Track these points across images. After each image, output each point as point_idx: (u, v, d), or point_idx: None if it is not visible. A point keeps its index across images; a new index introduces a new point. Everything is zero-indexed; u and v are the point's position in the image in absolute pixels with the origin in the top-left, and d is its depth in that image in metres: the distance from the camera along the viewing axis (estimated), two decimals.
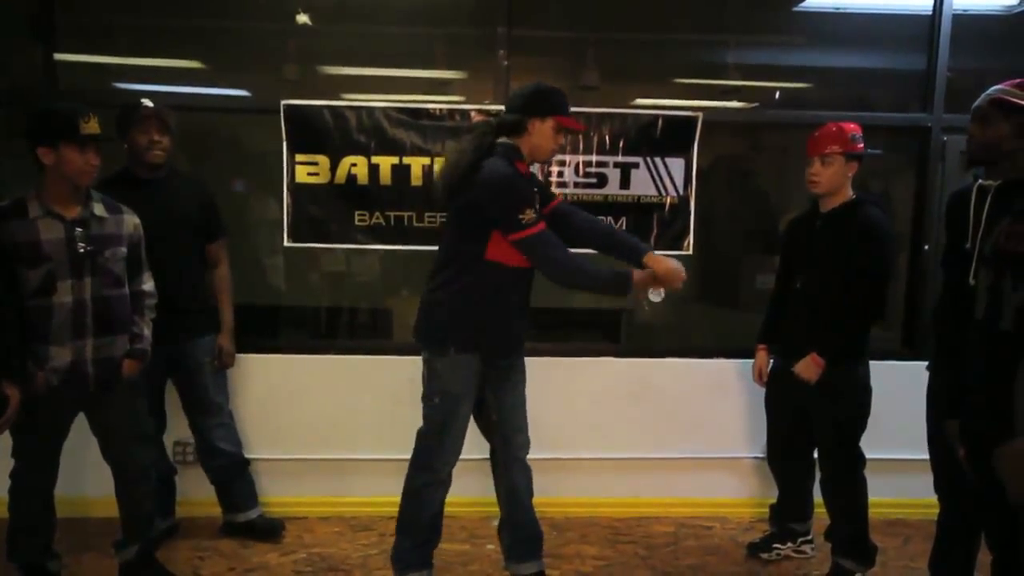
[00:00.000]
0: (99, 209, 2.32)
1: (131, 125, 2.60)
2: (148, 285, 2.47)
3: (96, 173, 2.25)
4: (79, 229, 2.25)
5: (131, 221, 2.40)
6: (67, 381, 2.26)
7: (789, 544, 2.90)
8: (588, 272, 2.27)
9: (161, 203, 2.63)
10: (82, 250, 2.24)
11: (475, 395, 2.38)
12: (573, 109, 3.10)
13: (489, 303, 2.29)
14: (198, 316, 2.80)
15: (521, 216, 2.16)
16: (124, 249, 2.36)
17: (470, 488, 2.89)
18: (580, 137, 3.14)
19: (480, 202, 2.19)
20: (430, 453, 2.37)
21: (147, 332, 2.45)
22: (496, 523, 2.64)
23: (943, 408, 2.01)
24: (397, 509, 2.54)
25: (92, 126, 2.20)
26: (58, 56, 3.11)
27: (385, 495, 2.80)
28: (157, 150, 2.62)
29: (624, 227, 3.20)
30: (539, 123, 2.25)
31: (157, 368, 2.66)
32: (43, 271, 2.19)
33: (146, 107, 2.62)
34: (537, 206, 2.23)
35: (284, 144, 3.08)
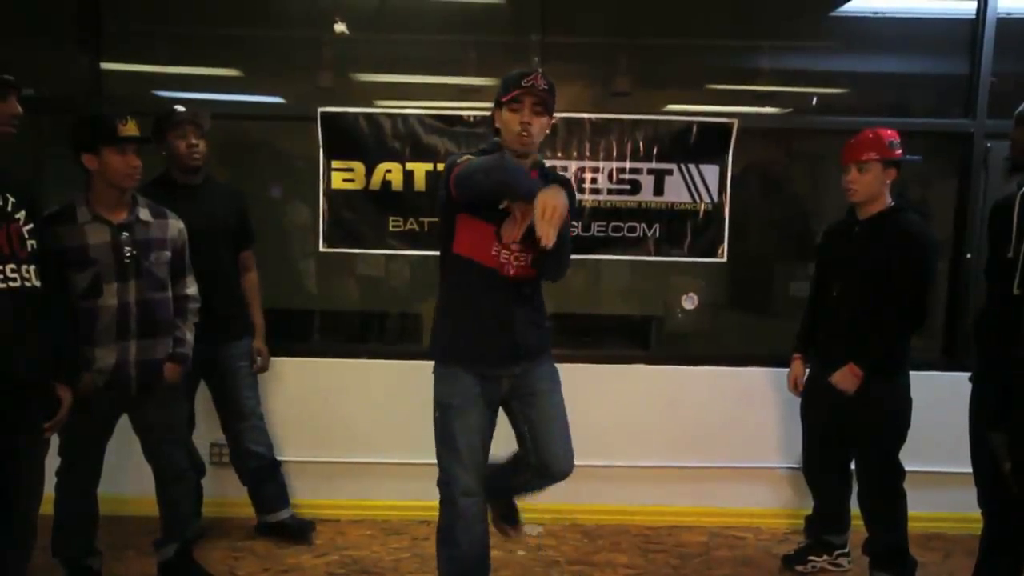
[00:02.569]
0: (144, 214, 2.38)
1: (168, 131, 2.66)
2: (191, 289, 2.52)
3: (139, 175, 2.31)
4: (125, 233, 2.31)
5: (175, 226, 2.46)
6: (111, 382, 2.32)
7: (825, 556, 2.85)
8: (482, 167, 1.95)
9: (199, 208, 2.68)
10: (128, 254, 2.30)
11: (485, 408, 2.21)
12: (606, 116, 3.15)
13: (460, 308, 2.19)
14: (234, 320, 2.85)
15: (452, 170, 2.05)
16: (168, 253, 2.41)
17: None
18: (613, 143, 3.13)
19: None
20: (441, 464, 2.24)
21: (189, 336, 2.50)
22: (525, 529, 2.62)
23: (989, 420, 1.97)
24: (428, 513, 2.53)
25: (130, 128, 2.26)
26: (104, 65, 3.20)
27: (416, 499, 2.83)
28: (195, 153, 2.68)
29: (657, 234, 3.19)
30: (498, 115, 2.12)
31: (193, 370, 2.70)
32: (90, 274, 2.25)
33: (181, 112, 2.69)
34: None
35: (320, 150, 3.13)
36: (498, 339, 2.17)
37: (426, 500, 2.58)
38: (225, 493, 3.07)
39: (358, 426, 3.21)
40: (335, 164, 3.14)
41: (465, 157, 2.07)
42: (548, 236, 1.82)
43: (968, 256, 3.23)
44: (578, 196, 3.13)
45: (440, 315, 2.24)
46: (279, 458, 3.04)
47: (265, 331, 2.96)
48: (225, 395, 2.87)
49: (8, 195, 1.90)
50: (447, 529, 2.22)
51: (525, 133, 2.05)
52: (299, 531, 2.99)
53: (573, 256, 3.17)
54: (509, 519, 2.44)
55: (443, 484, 2.23)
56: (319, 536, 3.04)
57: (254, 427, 2.91)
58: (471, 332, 2.18)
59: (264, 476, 2.97)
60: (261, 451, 2.93)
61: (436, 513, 2.26)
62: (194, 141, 2.67)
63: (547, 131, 2.14)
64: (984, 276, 2.32)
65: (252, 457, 2.91)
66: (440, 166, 3.12)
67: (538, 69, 2.11)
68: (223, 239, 2.78)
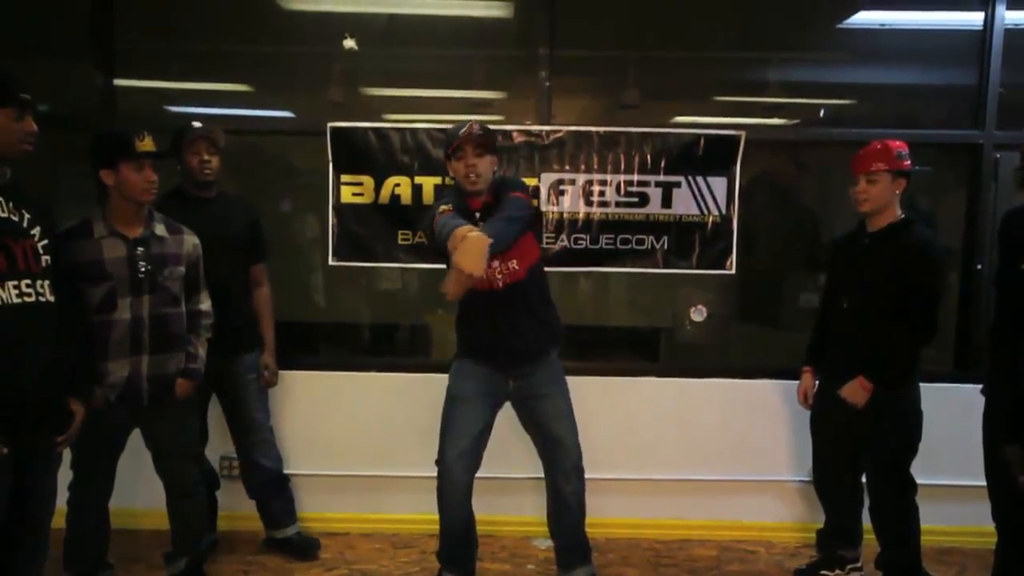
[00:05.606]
0: (160, 229, 2.40)
1: (184, 146, 2.71)
2: (205, 305, 2.54)
3: (155, 189, 2.34)
4: (140, 248, 2.33)
5: (190, 241, 2.48)
6: (123, 397, 2.33)
7: (837, 571, 2.82)
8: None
9: (211, 221, 2.70)
10: (142, 269, 2.32)
11: (485, 402, 2.48)
12: (614, 129, 3.17)
13: (469, 319, 2.49)
14: (243, 334, 2.86)
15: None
16: (182, 268, 2.43)
17: (511, 508, 2.90)
18: (621, 156, 3.15)
19: None
20: (440, 442, 2.51)
21: (202, 352, 2.51)
22: (535, 542, 2.63)
23: (1004, 432, 1.95)
24: (438, 526, 2.58)
25: (147, 144, 2.29)
26: (117, 82, 3.24)
27: (426, 512, 2.80)
28: (207, 169, 2.71)
29: (666, 246, 3.19)
30: (450, 166, 2.45)
31: (205, 384, 2.72)
32: (105, 288, 2.27)
33: (197, 128, 2.74)
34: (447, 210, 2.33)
35: (330, 165, 3.15)
36: (501, 342, 2.44)
37: (436, 513, 2.59)
38: (236, 507, 3.07)
39: (367, 439, 3.21)
40: (344, 178, 3.16)
41: (441, 208, 2.34)
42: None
43: (979, 267, 3.22)
44: (587, 209, 3.18)
45: (457, 325, 2.57)
46: (288, 472, 3.04)
47: (275, 346, 2.97)
48: (235, 408, 2.88)
49: (24, 211, 1.93)
50: (437, 492, 2.50)
51: (472, 175, 2.35)
52: (303, 549, 2.99)
53: (581, 268, 3.24)
54: None
55: (438, 460, 2.50)
56: (329, 550, 3.04)
57: (264, 440, 2.91)
58: (476, 340, 2.49)
59: (272, 491, 2.97)
60: (269, 465, 2.93)
61: None
62: (206, 157, 2.70)
63: (495, 167, 2.43)
64: (995, 287, 2.31)
65: (260, 471, 2.91)
66: (449, 180, 3.13)
67: (473, 121, 2.39)
68: (234, 252, 2.80)
